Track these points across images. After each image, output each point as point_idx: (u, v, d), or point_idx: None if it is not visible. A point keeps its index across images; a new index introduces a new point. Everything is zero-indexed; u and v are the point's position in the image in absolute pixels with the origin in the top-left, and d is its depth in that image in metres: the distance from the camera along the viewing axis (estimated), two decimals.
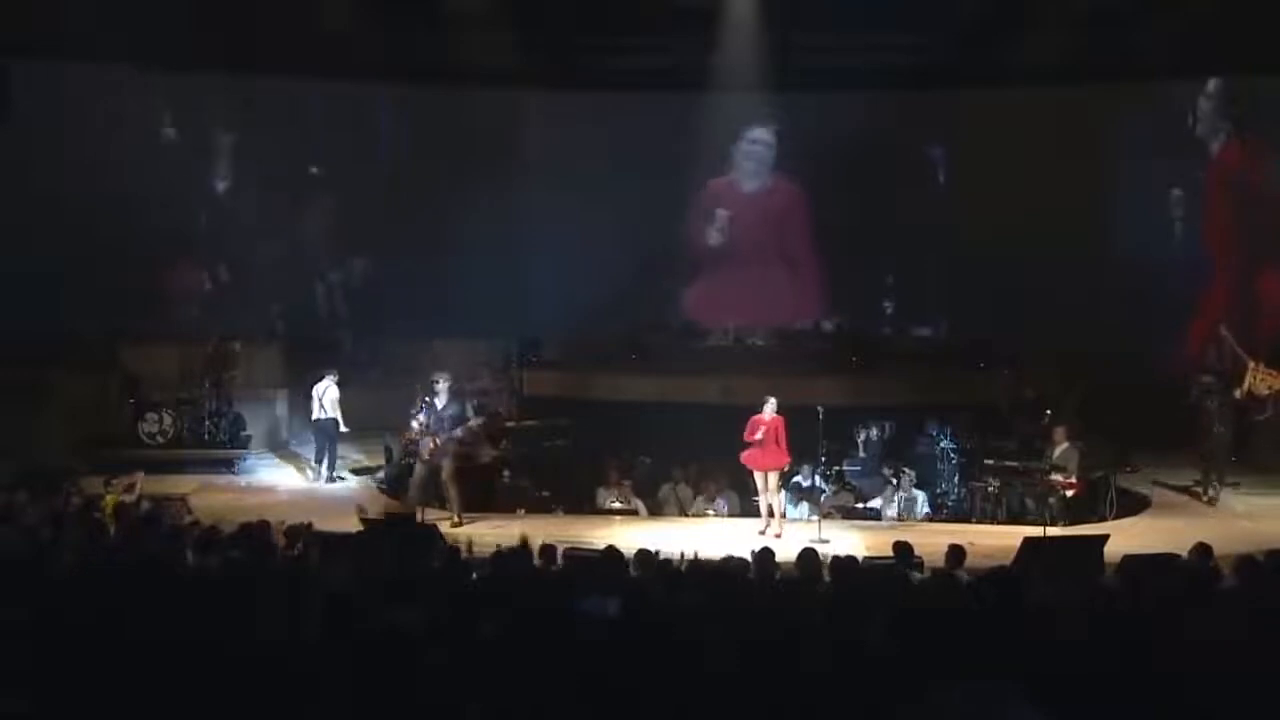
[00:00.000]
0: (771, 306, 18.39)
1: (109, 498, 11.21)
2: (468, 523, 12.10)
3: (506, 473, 14.37)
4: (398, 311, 17.80)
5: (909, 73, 17.64)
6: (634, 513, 13.57)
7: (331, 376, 14.67)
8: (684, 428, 14.34)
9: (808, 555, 7.76)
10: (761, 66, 17.36)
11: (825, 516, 12.63)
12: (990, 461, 13.49)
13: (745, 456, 12.22)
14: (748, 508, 13.12)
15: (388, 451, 14.70)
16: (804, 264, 19.23)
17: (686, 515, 13.79)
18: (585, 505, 13.97)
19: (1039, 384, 15.60)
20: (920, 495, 13.74)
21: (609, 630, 5.61)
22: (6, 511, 9.59)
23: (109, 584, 6.39)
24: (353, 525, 10.64)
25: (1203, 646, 5.25)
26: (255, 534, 8.32)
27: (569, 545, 9.19)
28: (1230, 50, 16.39)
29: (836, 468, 14.20)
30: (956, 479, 14.09)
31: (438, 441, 12.32)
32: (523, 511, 13.34)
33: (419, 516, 11.93)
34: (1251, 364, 13.74)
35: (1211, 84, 17.61)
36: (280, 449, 15.76)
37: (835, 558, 8.04)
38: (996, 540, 10.80)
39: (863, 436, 14.94)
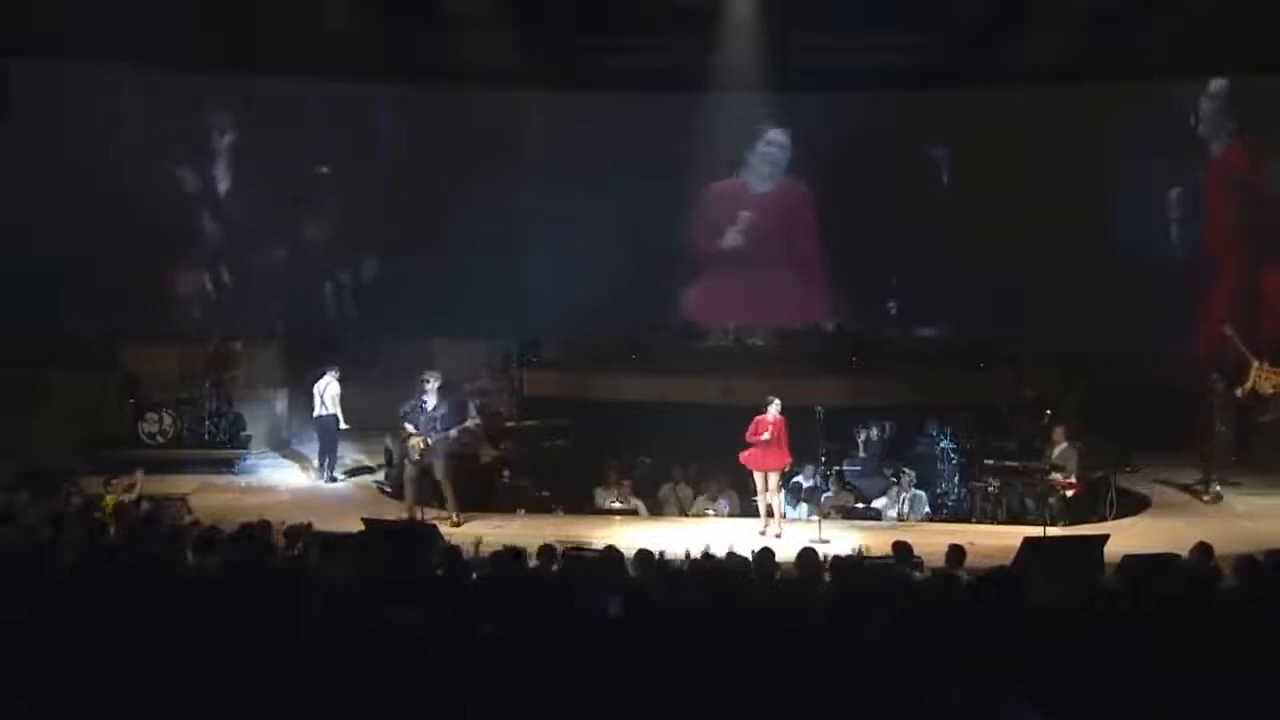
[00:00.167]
0: (782, 307, 18.39)
1: (109, 498, 11.22)
2: (466, 522, 12.09)
3: (506, 473, 14.37)
4: (398, 311, 17.80)
5: (909, 73, 17.63)
6: (634, 513, 13.57)
7: (333, 373, 14.69)
8: (684, 428, 14.33)
9: (808, 555, 7.76)
10: (761, 66, 17.36)
11: (825, 516, 12.63)
12: (990, 461, 13.49)
13: (746, 457, 12.20)
14: (748, 508, 13.11)
15: (388, 453, 14.71)
16: (812, 264, 19.25)
17: (687, 515, 13.79)
18: (585, 505, 13.96)
19: (1039, 384, 15.59)
20: (920, 495, 13.73)
21: (609, 630, 5.61)
22: (6, 511, 9.60)
23: (109, 584, 6.39)
24: (353, 525, 10.63)
25: (1203, 646, 5.25)
26: (255, 534, 8.32)
27: (569, 545, 9.20)
28: (1230, 50, 16.39)
29: (837, 468, 14.19)
30: (956, 479, 14.08)
31: (428, 441, 12.32)
32: (523, 511, 13.35)
33: (418, 516, 11.96)
34: (1255, 363, 13.75)
35: (1213, 84, 17.59)
36: (281, 448, 15.77)
37: (835, 558, 8.04)
38: (996, 540, 10.80)
39: (863, 436, 14.94)
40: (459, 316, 17.29)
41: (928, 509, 13.69)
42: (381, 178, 18.44)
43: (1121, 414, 14.32)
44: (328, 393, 14.53)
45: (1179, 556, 8.21)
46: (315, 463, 14.89)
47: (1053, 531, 11.51)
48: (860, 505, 13.87)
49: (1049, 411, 14.04)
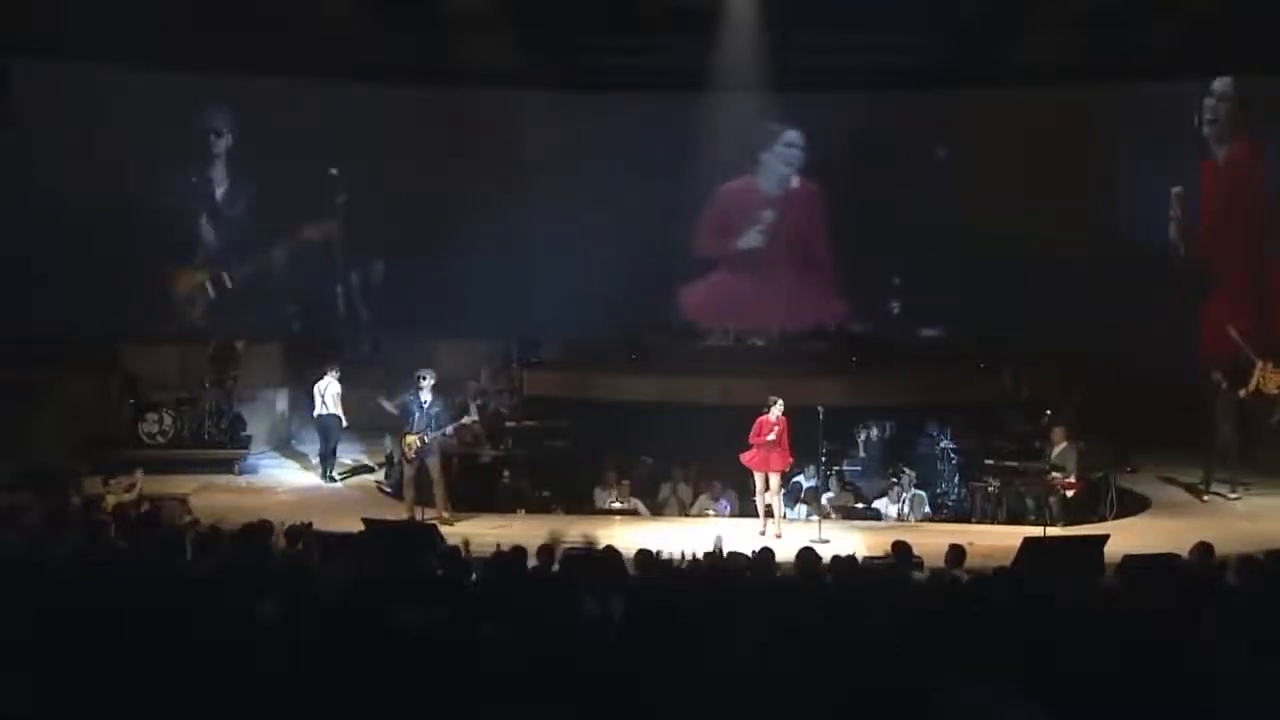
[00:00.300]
0: (796, 308, 18.39)
1: (109, 498, 11.22)
2: (460, 521, 12.09)
3: (506, 473, 14.37)
4: (398, 311, 17.79)
5: (909, 73, 17.63)
6: (634, 513, 13.57)
7: (333, 373, 14.68)
8: (684, 428, 14.34)
9: (808, 555, 7.76)
10: (761, 66, 17.36)
11: (825, 516, 12.62)
12: (990, 461, 13.51)
13: (749, 458, 12.15)
14: (748, 508, 13.12)
15: (389, 455, 14.71)
16: (823, 266, 19.28)
17: (687, 515, 13.79)
18: (585, 505, 13.96)
19: (1038, 384, 15.60)
20: (920, 495, 13.74)
21: (610, 630, 5.61)
22: (7, 511, 9.59)
23: (109, 584, 6.39)
24: (353, 525, 10.62)
25: (1203, 646, 5.25)
26: (255, 534, 8.32)
27: (569, 545, 9.19)
28: (1230, 50, 16.38)
29: (837, 468, 14.20)
30: (956, 479, 14.10)
31: (424, 440, 12.32)
32: (523, 511, 13.35)
33: (418, 516, 11.95)
34: (1260, 363, 13.75)
35: (1218, 83, 17.56)
36: (281, 448, 15.78)
37: (835, 558, 8.04)
38: (996, 540, 10.80)
39: (863, 436, 14.95)
40: (459, 316, 17.30)
41: (928, 509, 13.70)
42: (382, 178, 18.43)
43: (1121, 414, 14.32)
44: (328, 392, 14.53)
45: (1179, 556, 8.21)
46: (315, 462, 14.89)
47: (1053, 531, 11.51)
48: (860, 505, 13.88)
49: (1049, 411, 14.05)
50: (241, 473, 14.57)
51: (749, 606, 6.32)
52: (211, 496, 13.13)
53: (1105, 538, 9.90)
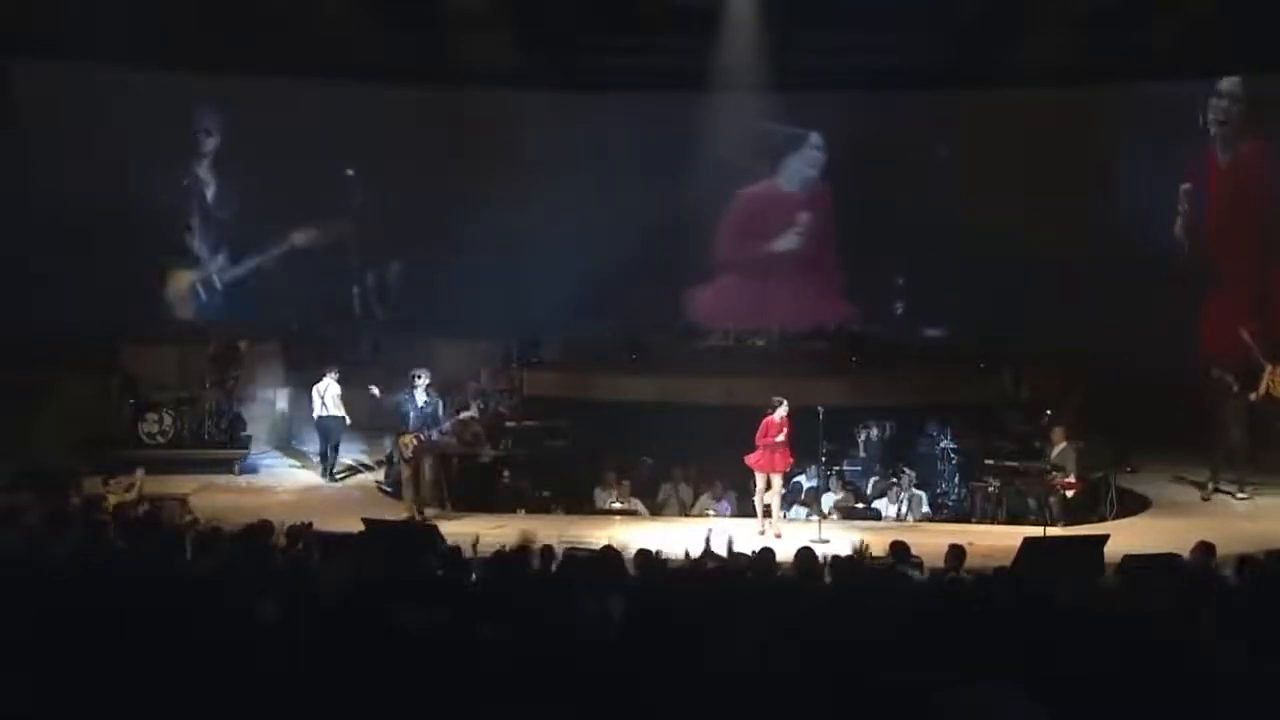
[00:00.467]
0: (801, 309, 18.40)
1: (109, 498, 11.21)
2: (457, 519, 12.06)
3: (506, 473, 14.38)
4: (409, 312, 17.79)
5: (909, 73, 17.63)
6: (633, 513, 13.57)
7: (332, 375, 14.67)
8: (684, 428, 14.33)
9: (807, 555, 7.76)
10: (762, 66, 17.36)
11: (825, 517, 12.62)
12: (990, 461, 13.51)
13: (754, 459, 12.12)
14: (748, 508, 13.12)
15: (389, 456, 14.71)
16: (827, 266, 19.29)
17: (687, 515, 13.79)
18: (585, 505, 13.96)
19: (1039, 384, 15.60)
20: (920, 495, 13.73)
21: (609, 630, 5.61)
22: (7, 511, 9.58)
23: (109, 584, 6.39)
24: (353, 525, 10.63)
25: (1203, 646, 5.25)
26: (255, 534, 8.32)
27: (569, 545, 9.19)
28: (1230, 50, 16.38)
29: (837, 468, 14.20)
30: (956, 479, 14.11)
31: (420, 439, 12.31)
32: (523, 511, 13.35)
33: (418, 516, 11.96)
34: (1269, 366, 13.74)
35: (1224, 83, 17.54)
36: (282, 448, 15.78)
37: (835, 558, 8.04)
38: (996, 540, 10.80)
39: (863, 436, 14.95)
40: (459, 316, 17.29)
41: (927, 509, 13.70)
42: (381, 178, 18.43)
43: (1121, 414, 14.32)
44: (328, 394, 14.53)
45: (1179, 556, 8.21)
46: (315, 461, 14.88)
47: (1053, 531, 11.51)
48: (860, 505, 13.88)
49: (1049, 411, 14.05)
50: (241, 473, 14.57)
51: (749, 606, 6.32)
52: (211, 496, 13.13)
53: (1105, 538, 9.91)
